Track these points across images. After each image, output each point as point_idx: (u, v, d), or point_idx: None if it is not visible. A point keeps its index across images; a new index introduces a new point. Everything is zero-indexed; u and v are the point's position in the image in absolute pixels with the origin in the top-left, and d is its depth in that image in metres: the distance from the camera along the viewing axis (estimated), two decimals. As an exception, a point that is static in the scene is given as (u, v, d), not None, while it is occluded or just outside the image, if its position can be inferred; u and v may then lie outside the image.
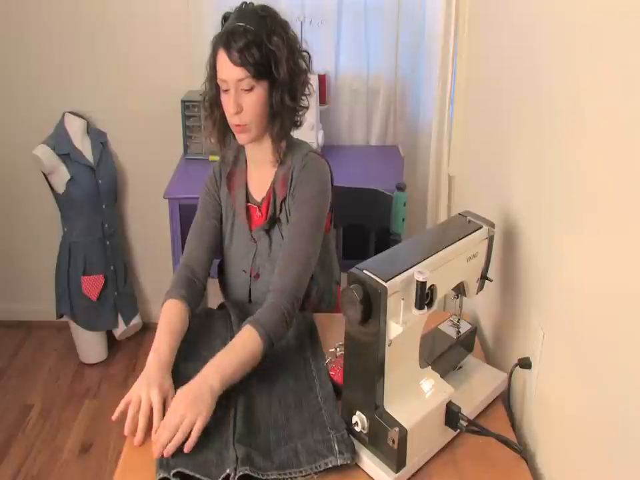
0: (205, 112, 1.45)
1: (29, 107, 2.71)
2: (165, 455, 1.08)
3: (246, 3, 1.38)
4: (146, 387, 1.18)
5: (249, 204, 1.52)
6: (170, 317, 1.36)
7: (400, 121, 2.67)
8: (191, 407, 1.12)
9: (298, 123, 1.46)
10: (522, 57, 1.32)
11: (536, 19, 1.23)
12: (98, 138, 2.68)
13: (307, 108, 1.45)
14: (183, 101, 2.50)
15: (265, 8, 1.36)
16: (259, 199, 1.51)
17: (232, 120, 1.37)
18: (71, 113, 2.62)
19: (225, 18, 1.37)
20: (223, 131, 1.45)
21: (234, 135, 1.43)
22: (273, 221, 1.47)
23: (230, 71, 1.31)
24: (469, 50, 1.94)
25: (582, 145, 0.98)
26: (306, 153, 1.45)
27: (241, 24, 1.30)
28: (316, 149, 1.33)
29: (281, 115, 1.37)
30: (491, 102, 1.60)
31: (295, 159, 1.44)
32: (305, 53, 1.40)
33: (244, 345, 1.26)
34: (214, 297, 2.91)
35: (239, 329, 1.34)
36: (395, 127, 2.71)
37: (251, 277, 1.54)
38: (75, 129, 2.61)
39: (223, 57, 1.32)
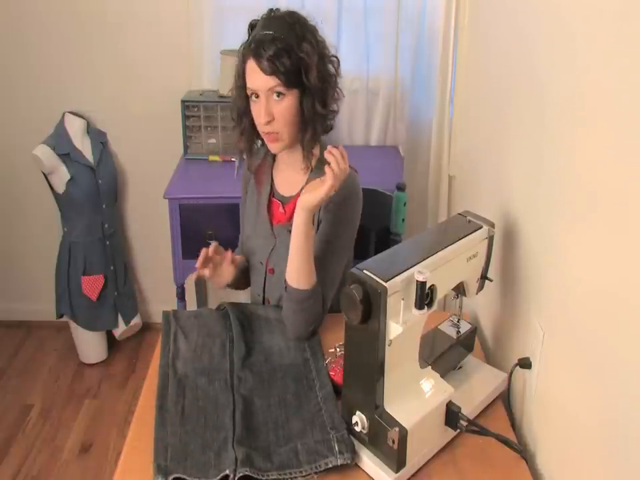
0: (233, 122, 1.45)
1: (29, 106, 2.71)
2: None
3: (272, 9, 1.35)
4: None
5: (274, 198, 1.52)
6: None
7: (400, 121, 2.67)
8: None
9: (329, 128, 1.43)
10: (521, 56, 1.32)
11: (536, 20, 1.23)
12: (98, 138, 2.68)
13: (337, 112, 1.42)
14: (182, 101, 2.50)
15: (292, 14, 1.33)
16: (285, 196, 1.51)
17: (263, 129, 1.36)
18: (71, 112, 2.62)
19: (252, 26, 1.35)
20: (251, 140, 1.45)
21: (263, 142, 1.43)
22: None
23: (261, 80, 1.30)
24: (469, 50, 1.94)
25: (582, 145, 0.99)
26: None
27: (270, 32, 1.28)
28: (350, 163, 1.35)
29: (313, 122, 1.35)
30: (491, 102, 1.60)
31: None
32: (334, 58, 1.37)
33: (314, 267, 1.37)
34: (214, 297, 2.93)
35: (238, 329, 1.34)
36: (395, 127, 2.71)
37: (266, 270, 1.55)
38: (75, 129, 2.61)
39: (252, 65, 1.30)
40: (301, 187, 1.43)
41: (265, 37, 1.28)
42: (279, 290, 1.48)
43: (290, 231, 1.39)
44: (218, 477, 1.04)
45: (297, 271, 1.35)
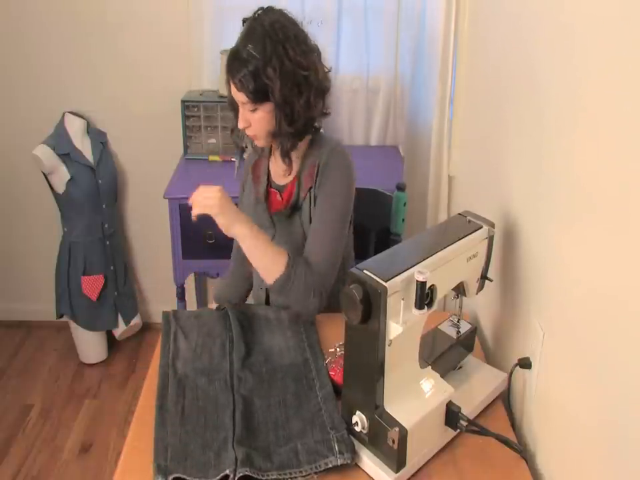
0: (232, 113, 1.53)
1: (29, 106, 2.71)
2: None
3: (258, 12, 1.39)
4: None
5: (271, 188, 1.60)
6: None
7: (400, 121, 2.67)
8: (219, 199, 1.38)
9: (312, 130, 1.50)
10: (521, 56, 1.32)
11: (536, 20, 1.23)
12: (98, 138, 2.68)
13: (326, 114, 1.50)
14: (182, 101, 2.50)
15: (272, 25, 1.36)
16: (281, 184, 1.58)
17: (245, 132, 1.48)
18: (71, 113, 2.62)
19: (244, 21, 1.41)
20: (241, 135, 1.54)
21: None
22: (293, 208, 1.53)
23: (235, 94, 1.41)
24: (469, 50, 1.94)
25: (581, 145, 0.99)
26: (334, 146, 1.51)
27: (245, 48, 1.35)
28: (340, 143, 1.49)
29: (280, 137, 1.44)
30: (491, 102, 1.60)
31: (322, 150, 1.50)
32: (306, 73, 1.38)
33: (277, 249, 1.43)
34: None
35: (238, 329, 1.33)
36: (395, 127, 2.71)
37: None
38: (75, 129, 2.61)
39: (229, 77, 1.40)
40: (297, 171, 1.53)
41: (237, 54, 1.37)
42: None
43: (288, 216, 1.53)
44: (218, 477, 1.04)
45: (264, 269, 1.43)
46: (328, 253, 1.47)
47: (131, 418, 1.25)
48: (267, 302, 1.66)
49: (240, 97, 1.39)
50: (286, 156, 1.47)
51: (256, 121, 1.42)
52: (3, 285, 3.03)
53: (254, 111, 1.40)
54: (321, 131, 1.56)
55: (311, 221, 1.51)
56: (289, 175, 1.55)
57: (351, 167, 1.52)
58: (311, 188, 1.50)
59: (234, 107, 1.48)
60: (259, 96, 1.37)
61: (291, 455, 1.10)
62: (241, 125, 1.45)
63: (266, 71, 1.34)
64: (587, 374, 0.96)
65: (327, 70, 1.46)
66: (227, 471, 1.04)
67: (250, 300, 1.81)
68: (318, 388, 1.27)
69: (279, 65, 1.35)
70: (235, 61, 1.37)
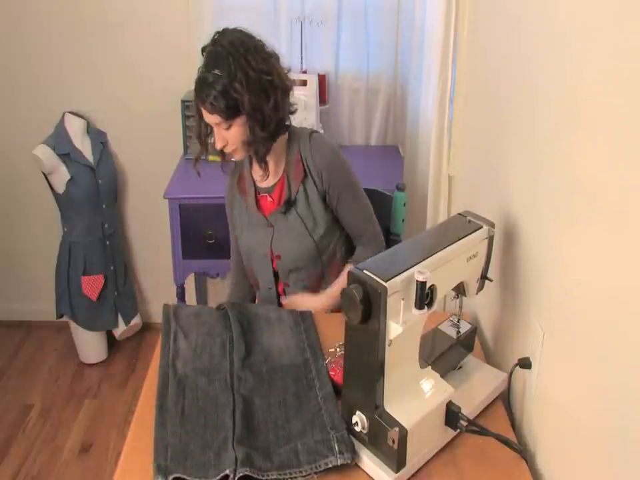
0: (199, 141, 1.60)
1: (29, 106, 2.71)
2: None
3: (215, 37, 1.46)
4: None
5: (260, 195, 1.66)
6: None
7: (400, 121, 2.67)
8: (321, 306, 1.61)
9: (285, 129, 1.58)
10: (521, 57, 1.32)
11: (535, 19, 1.23)
12: (98, 138, 2.68)
13: (293, 112, 1.58)
14: (182, 101, 2.50)
15: (232, 43, 1.43)
16: (268, 186, 1.64)
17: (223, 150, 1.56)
18: (71, 113, 2.62)
19: (204, 49, 1.48)
20: (219, 152, 1.59)
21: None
22: (288, 203, 1.60)
23: (207, 117, 1.49)
24: (469, 50, 1.94)
25: (581, 146, 0.99)
26: (309, 132, 1.61)
27: (208, 73, 1.43)
28: (314, 129, 1.62)
29: (255, 143, 1.51)
30: (491, 102, 1.60)
31: (300, 142, 1.59)
32: (270, 77, 1.46)
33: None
34: (214, 297, 2.93)
35: (239, 329, 1.33)
36: (395, 127, 2.71)
37: (272, 259, 1.65)
38: (75, 129, 2.61)
39: (199, 104, 1.48)
40: (282, 170, 1.61)
41: (204, 80, 1.44)
42: (292, 271, 1.65)
43: (283, 213, 1.61)
44: (218, 477, 1.04)
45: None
46: (374, 223, 1.68)
47: (131, 418, 1.25)
48: (279, 300, 1.71)
49: (213, 119, 1.47)
50: (262, 161, 1.55)
51: (232, 136, 1.50)
52: (3, 284, 3.03)
53: (228, 128, 1.48)
54: (291, 124, 1.62)
55: (308, 209, 1.60)
56: (266, 178, 1.61)
57: (334, 146, 1.63)
58: (303, 180, 1.58)
59: (200, 135, 1.56)
60: (230, 112, 1.45)
61: (291, 454, 1.10)
62: (218, 145, 1.52)
63: (233, 86, 1.42)
64: (587, 374, 0.96)
65: (286, 71, 1.54)
66: (227, 471, 1.04)
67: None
68: (318, 388, 1.27)
69: (244, 77, 1.42)
70: (203, 86, 1.44)
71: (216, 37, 1.47)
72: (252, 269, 1.72)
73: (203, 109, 1.48)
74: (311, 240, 1.60)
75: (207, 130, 1.56)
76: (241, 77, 1.42)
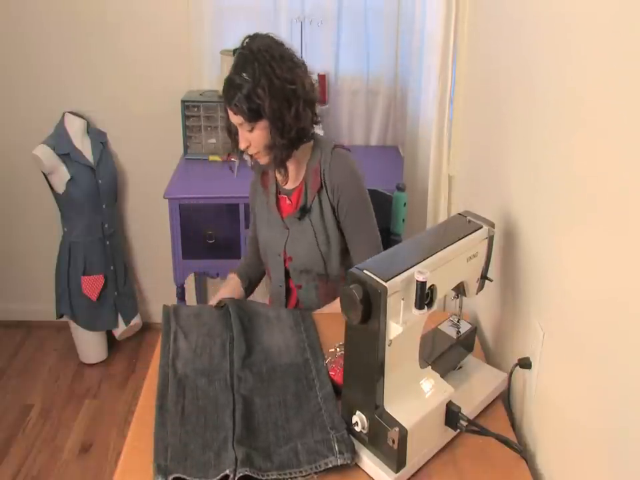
0: (230, 138, 1.65)
1: (29, 106, 2.71)
2: None
3: (248, 37, 1.51)
4: None
5: (280, 195, 1.70)
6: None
7: (400, 121, 2.67)
8: None
9: (305, 139, 1.60)
10: (521, 57, 1.32)
11: (535, 20, 1.23)
12: (98, 138, 2.68)
13: (317, 123, 1.62)
14: (182, 101, 2.50)
15: (259, 49, 1.47)
16: (289, 189, 1.68)
17: (246, 152, 1.61)
18: (71, 113, 2.62)
19: (235, 52, 1.54)
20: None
21: None
22: (303, 210, 1.64)
23: (232, 118, 1.54)
24: (469, 50, 1.94)
25: (580, 146, 0.99)
26: (333, 145, 1.63)
27: (236, 75, 1.48)
28: (340, 143, 1.64)
29: (274, 149, 1.54)
30: (491, 102, 1.60)
31: (321, 152, 1.62)
32: (293, 86, 1.49)
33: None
34: (214, 297, 2.91)
35: (239, 328, 1.33)
36: (395, 127, 2.71)
37: (285, 259, 1.69)
38: (75, 129, 2.61)
39: (225, 104, 1.53)
40: (302, 176, 1.65)
41: (231, 82, 1.49)
42: (302, 272, 1.68)
43: (299, 218, 1.64)
44: (218, 477, 1.04)
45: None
46: (377, 247, 1.65)
47: (131, 418, 1.25)
48: (287, 298, 1.73)
49: (237, 119, 1.52)
50: (281, 166, 1.58)
51: (254, 139, 1.54)
52: (3, 284, 3.03)
53: (251, 130, 1.52)
54: (317, 132, 1.65)
55: (321, 220, 1.62)
56: (286, 182, 1.65)
57: (354, 167, 1.64)
58: (319, 190, 1.61)
59: (230, 132, 1.61)
60: (253, 115, 1.49)
61: (291, 454, 1.10)
62: (242, 145, 1.57)
63: (256, 91, 1.46)
64: (587, 374, 0.96)
65: (313, 82, 1.57)
66: (227, 471, 1.04)
67: (264, 295, 1.89)
68: (318, 388, 1.27)
69: (267, 83, 1.46)
70: (230, 88, 1.50)
71: (247, 40, 1.51)
72: (267, 261, 1.76)
73: (228, 109, 1.53)
74: (317, 251, 1.63)
75: (235, 129, 1.60)
76: (264, 83, 1.46)
